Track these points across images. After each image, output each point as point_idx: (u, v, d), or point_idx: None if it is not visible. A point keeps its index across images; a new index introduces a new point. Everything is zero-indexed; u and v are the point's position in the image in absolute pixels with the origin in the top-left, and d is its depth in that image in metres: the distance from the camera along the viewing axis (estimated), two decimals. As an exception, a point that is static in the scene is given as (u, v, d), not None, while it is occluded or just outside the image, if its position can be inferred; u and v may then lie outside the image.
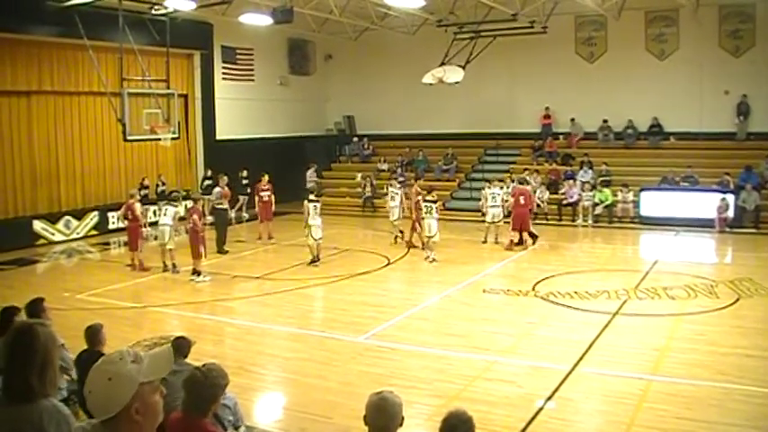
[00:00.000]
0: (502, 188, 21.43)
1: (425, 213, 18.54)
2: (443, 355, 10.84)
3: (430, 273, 17.72)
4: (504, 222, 20.90)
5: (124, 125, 19.79)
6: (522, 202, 20.02)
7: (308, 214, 18.10)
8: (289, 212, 22.59)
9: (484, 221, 21.09)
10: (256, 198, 21.64)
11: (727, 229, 21.90)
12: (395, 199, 20.89)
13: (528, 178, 23.31)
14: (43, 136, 22.57)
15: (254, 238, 21.71)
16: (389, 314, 13.40)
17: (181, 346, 7.01)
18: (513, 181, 22.48)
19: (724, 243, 21.06)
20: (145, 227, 18.59)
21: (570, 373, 9.89)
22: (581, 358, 10.47)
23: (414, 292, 15.56)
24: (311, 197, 18.50)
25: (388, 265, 18.21)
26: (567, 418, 8.64)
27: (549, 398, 9.07)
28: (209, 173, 25.05)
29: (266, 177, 21.70)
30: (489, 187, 21.17)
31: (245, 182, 24.64)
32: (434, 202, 18.70)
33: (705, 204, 22.52)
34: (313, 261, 18.05)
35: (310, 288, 16.08)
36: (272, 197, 21.63)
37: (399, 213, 20.76)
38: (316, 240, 18.11)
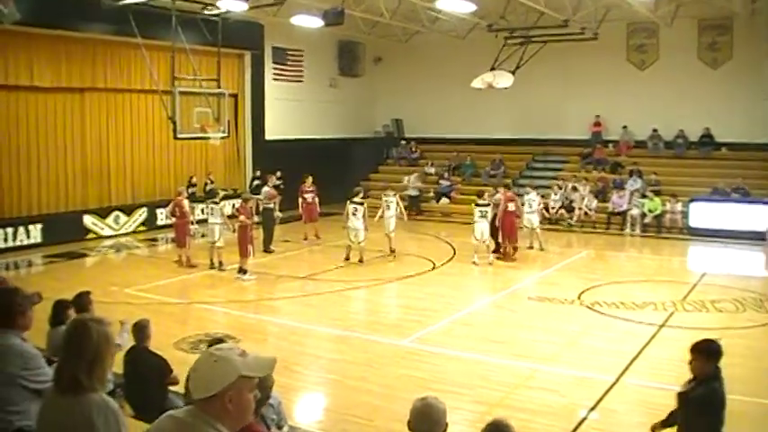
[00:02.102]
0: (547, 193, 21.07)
1: (478, 218, 18.38)
2: (486, 362, 10.81)
3: (475, 278, 17.70)
4: (541, 229, 20.77)
5: (175, 123, 19.98)
6: (511, 208, 19.13)
7: (347, 216, 18.34)
8: (337, 213, 22.57)
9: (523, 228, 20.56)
10: (300, 199, 21.67)
11: (779, 243, 21.50)
12: (390, 208, 19.49)
13: (572, 184, 23.15)
14: (95, 132, 22.96)
15: (299, 238, 21.77)
16: (433, 318, 13.39)
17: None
18: (508, 188, 20.98)
19: (775, 257, 20.68)
20: (192, 224, 18.76)
21: (614, 384, 9.80)
22: (626, 369, 10.36)
23: (458, 297, 15.46)
24: (355, 199, 18.58)
25: (433, 268, 18.17)
26: (610, 430, 8.57)
27: (593, 408, 8.99)
28: (258, 173, 25.06)
29: (310, 179, 21.71)
30: (528, 193, 20.95)
31: (278, 182, 23.81)
32: (487, 205, 18.59)
33: (756, 217, 22.07)
34: (358, 260, 18.33)
35: (354, 290, 16.14)
36: (317, 199, 21.70)
37: (395, 224, 19.54)
38: (351, 242, 18.32)
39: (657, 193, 24.17)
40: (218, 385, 2.85)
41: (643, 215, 23.79)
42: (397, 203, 19.71)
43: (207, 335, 11.42)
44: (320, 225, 21.88)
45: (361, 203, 18.52)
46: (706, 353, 5.83)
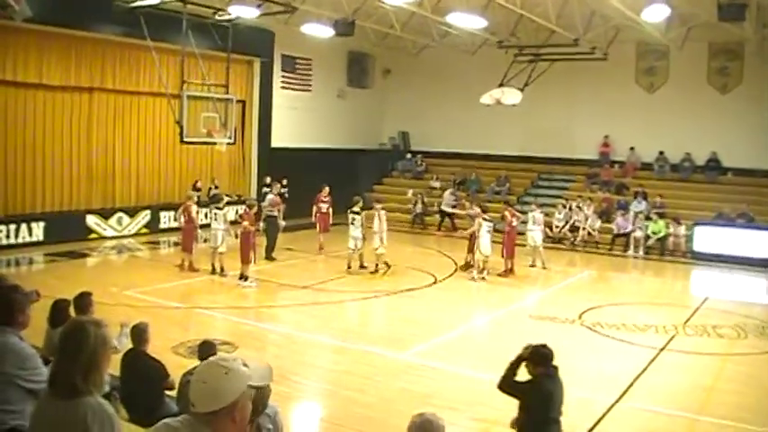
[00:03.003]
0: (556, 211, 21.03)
1: (485, 232, 18.30)
2: (486, 379, 10.67)
3: (476, 294, 17.63)
4: (544, 247, 20.75)
5: (182, 127, 20.02)
6: (515, 224, 19.38)
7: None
8: (341, 223, 22.45)
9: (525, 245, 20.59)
10: (314, 208, 21.66)
11: (782, 270, 21.41)
12: (374, 223, 18.68)
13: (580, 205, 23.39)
14: (102, 132, 22.93)
15: (306, 247, 21.75)
16: (433, 333, 13.33)
17: (206, 351, 7.10)
18: (509, 204, 21.10)
19: (778, 284, 20.60)
20: (196, 228, 18.70)
21: (613, 406, 9.72)
22: (624, 392, 10.28)
23: (459, 312, 15.40)
24: (354, 209, 18.88)
25: (435, 283, 18.11)
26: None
27: (591, 430, 8.91)
28: (269, 180, 24.45)
29: (327, 189, 21.75)
30: (532, 210, 20.87)
31: (283, 190, 22.89)
32: (491, 221, 18.62)
33: (760, 243, 22.04)
34: (359, 265, 18.77)
35: (356, 301, 16.11)
36: (331, 209, 21.71)
37: (380, 240, 18.49)
38: (351, 250, 18.72)
39: (662, 216, 24.10)
40: (229, 398, 2.79)
41: (647, 237, 23.75)
42: (379, 218, 18.70)
43: (206, 341, 11.36)
44: (325, 235, 21.76)
45: (359, 213, 18.77)
46: (531, 356, 6.66)
